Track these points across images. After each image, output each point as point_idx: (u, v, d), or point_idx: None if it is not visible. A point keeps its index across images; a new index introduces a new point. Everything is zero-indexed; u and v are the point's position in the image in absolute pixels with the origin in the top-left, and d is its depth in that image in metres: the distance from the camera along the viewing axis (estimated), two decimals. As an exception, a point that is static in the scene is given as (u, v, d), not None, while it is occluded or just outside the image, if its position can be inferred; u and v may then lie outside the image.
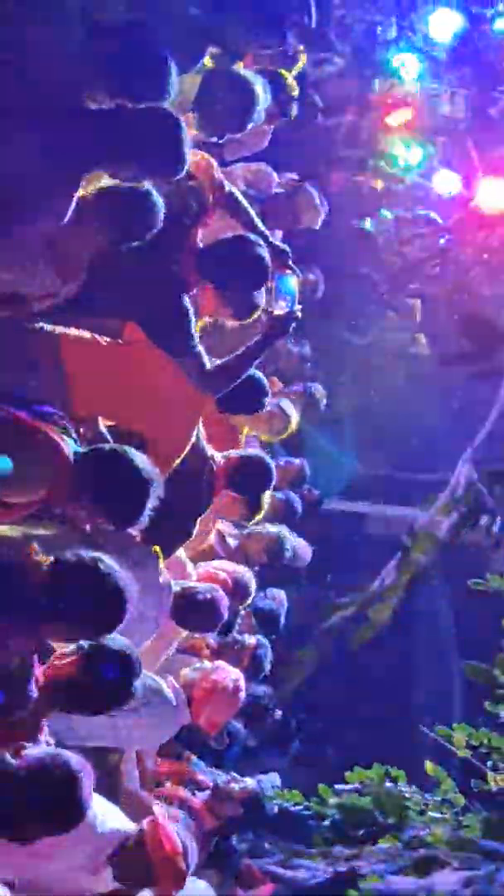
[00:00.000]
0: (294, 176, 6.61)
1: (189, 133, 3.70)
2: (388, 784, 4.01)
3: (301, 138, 6.89)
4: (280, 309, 4.53)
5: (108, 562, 3.14)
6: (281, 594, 6.40)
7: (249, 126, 4.49)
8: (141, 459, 3.37)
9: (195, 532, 4.83)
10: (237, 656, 5.56)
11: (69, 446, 3.31)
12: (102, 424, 4.12)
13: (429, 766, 4.17)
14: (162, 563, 4.34)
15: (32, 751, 3.12)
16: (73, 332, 4.14)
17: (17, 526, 3.27)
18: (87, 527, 3.48)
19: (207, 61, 4.41)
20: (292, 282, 4.68)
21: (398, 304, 9.39)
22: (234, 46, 4.48)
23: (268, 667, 5.82)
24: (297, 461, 7.32)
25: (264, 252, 4.37)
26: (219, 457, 4.91)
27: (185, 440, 4.41)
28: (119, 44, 3.47)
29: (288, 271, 4.72)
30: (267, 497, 5.48)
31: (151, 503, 3.37)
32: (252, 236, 4.46)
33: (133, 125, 3.51)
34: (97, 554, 3.15)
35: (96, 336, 4.20)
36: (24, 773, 3.04)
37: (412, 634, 9.00)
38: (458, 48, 8.63)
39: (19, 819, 3.02)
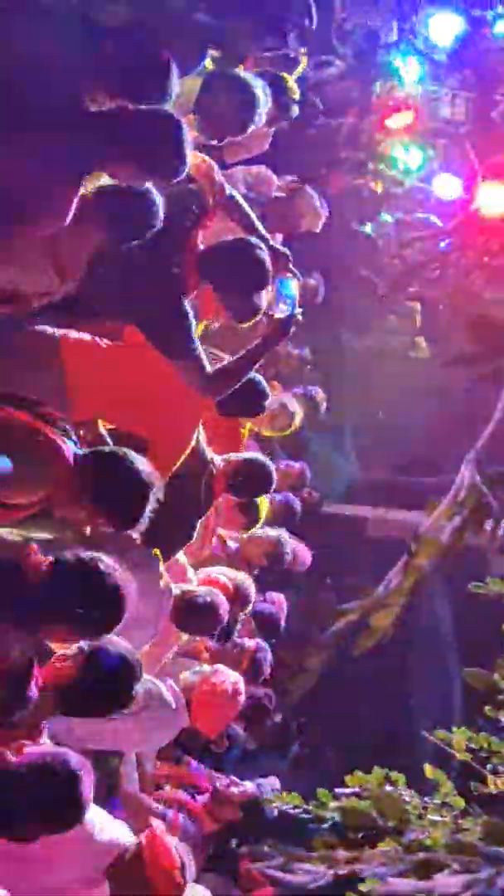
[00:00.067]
0: (294, 179, 6.61)
1: (189, 135, 3.69)
2: (387, 787, 4.00)
3: (302, 141, 6.90)
4: (280, 312, 4.53)
5: (108, 561, 3.14)
6: (281, 598, 6.40)
7: (250, 129, 4.47)
8: (141, 462, 3.36)
9: (195, 536, 4.83)
10: (237, 660, 5.55)
11: (69, 448, 3.30)
12: (102, 426, 4.13)
13: (428, 769, 4.15)
14: (162, 566, 4.34)
15: (33, 749, 3.12)
16: (73, 334, 4.15)
17: (17, 527, 3.27)
18: (87, 529, 3.48)
19: (208, 63, 4.40)
20: (293, 285, 4.68)
21: (398, 308, 9.40)
22: (234, 49, 4.48)
23: (267, 670, 5.81)
24: (297, 464, 7.34)
25: (265, 255, 4.37)
26: (219, 460, 4.91)
27: (185, 443, 4.41)
28: (120, 45, 3.46)
29: (288, 274, 4.72)
30: (265, 506, 5.49)
31: (151, 505, 3.37)
32: (252, 239, 4.46)
33: (134, 127, 3.50)
34: (96, 554, 3.15)
35: (96, 338, 4.21)
36: (25, 770, 3.03)
37: (412, 637, 8.99)
38: (458, 51, 8.66)
39: (20, 817, 3.02)
